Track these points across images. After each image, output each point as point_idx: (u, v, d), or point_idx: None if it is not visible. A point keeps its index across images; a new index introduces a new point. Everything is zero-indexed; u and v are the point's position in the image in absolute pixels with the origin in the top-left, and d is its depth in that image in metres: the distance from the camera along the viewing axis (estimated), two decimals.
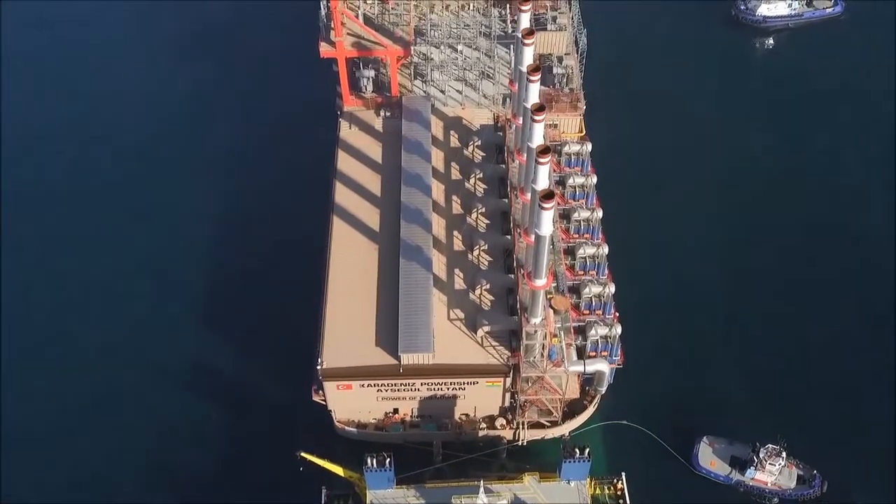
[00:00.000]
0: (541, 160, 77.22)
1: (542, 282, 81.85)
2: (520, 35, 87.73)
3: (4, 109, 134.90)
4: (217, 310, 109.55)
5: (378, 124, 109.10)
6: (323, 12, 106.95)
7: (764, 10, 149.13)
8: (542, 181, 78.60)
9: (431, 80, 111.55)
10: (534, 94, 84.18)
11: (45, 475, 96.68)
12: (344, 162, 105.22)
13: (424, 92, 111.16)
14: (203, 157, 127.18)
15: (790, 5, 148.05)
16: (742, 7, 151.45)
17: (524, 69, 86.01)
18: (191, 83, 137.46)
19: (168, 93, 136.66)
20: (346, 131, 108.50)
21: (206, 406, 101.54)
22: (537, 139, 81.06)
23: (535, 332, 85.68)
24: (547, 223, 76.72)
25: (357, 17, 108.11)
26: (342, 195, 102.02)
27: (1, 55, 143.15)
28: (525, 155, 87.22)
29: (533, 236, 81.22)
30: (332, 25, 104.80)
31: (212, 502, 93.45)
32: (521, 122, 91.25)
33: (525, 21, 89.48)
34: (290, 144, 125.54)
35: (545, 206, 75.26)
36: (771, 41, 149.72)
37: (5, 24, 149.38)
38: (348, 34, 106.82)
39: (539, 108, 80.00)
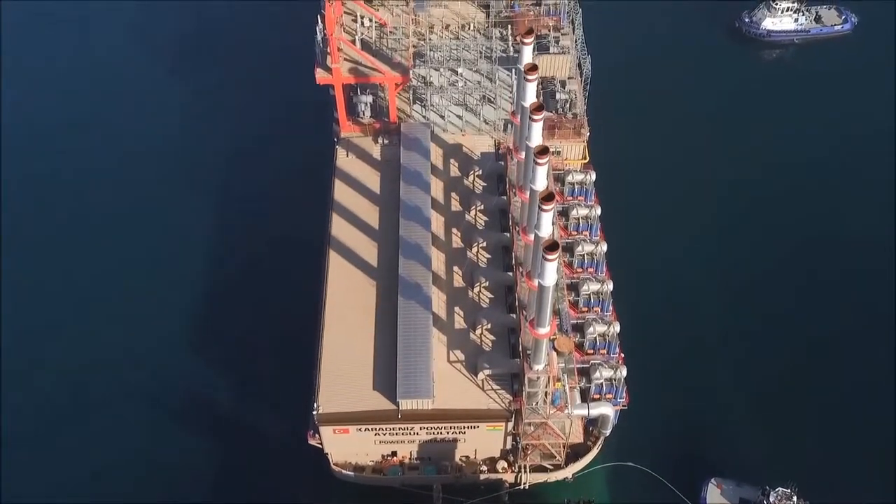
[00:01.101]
0: (544, 207, 72.49)
1: (545, 330, 77.18)
2: (522, 68, 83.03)
3: (4, 109, 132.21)
4: (215, 318, 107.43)
5: (376, 152, 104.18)
6: (319, 37, 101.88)
7: (768, 23, 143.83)
8: (546, 229, 73.98)
9: (431, 104, 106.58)
10: (537, 134, 79.27)
11: (46, 476, 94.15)
12: (341, 192, 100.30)
13: (424, 117, 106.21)
14: (198, 164, 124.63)
15: (796, 20, 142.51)
16: (746, 20, 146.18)
17: (526, 105, 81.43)
18: (190, 87, 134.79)
19: (167, 94, 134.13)
20: (343, 159, 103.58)
21: (199, 429, 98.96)
22: (541, 183, 76.32)
23: (538, 378, 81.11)
24: (551, 274, 71.97)
25: (354, 42, 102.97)
26: (339, 228, 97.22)
27: (1, 55, 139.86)
28: (527, 194, 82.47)
29: (536, 282, 76.55)
30: (329, 51, 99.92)
31: None
32: (523, 156, 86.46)
33: (528, 55, 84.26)
34: (288, 148, 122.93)
35: (549, 257, 70.50)
36: (777, 56, 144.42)
37: (5, 24, 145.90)
38: (345, 59, 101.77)
39: (542, 151, 75.10)
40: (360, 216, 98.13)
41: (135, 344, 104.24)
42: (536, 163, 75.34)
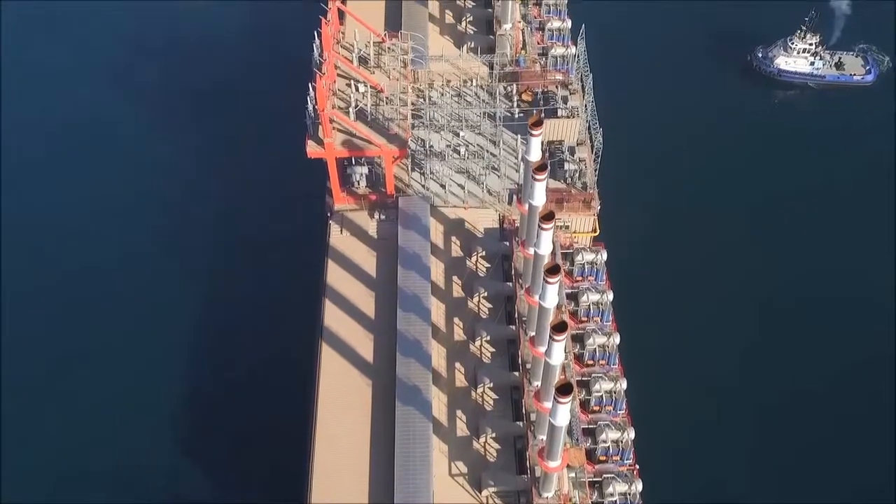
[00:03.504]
0: (556, 338, 62.85)
1: (556, 464, 68.08)
2: (530, 161, 73.26)
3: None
4: (199, 411, 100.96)
5: (372, 228, 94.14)
6: (311, 106, 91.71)
7: (781, 62, 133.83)
8: (557, 357, 64.35)
9: (431, 172, 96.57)
10: (546, 243, 69.45)
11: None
12: (334, 275, 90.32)
13: (424, 186, 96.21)
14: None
15: (812, 63, 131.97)
16: (759, 55, 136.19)
17: (535, 204, 71.83)
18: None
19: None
20: (337, 236, 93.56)
21: None
22: (551, 301, 66.74)
23: None
24: (563, 416, 62.58)
25: (349, 113, 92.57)
26: (332, 317, 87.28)
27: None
28: (535, 299, 72.76)
29: (546, 407, 67.31)
30: (321, 122, 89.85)
31: None
32: (531, 253, 76.38)
33: (536, 149, 74.18)
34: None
35: (561, 400, 61.00)
36: (788, 101, 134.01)
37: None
38: (339, 131, 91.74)
39: (553, 271, 65.35)
40: (355, 303, 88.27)
41: (121, 425, 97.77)
42: (547, 282, 65.69)
